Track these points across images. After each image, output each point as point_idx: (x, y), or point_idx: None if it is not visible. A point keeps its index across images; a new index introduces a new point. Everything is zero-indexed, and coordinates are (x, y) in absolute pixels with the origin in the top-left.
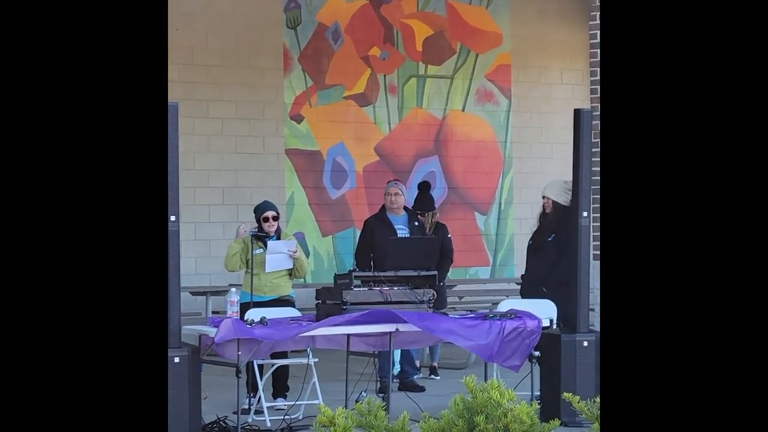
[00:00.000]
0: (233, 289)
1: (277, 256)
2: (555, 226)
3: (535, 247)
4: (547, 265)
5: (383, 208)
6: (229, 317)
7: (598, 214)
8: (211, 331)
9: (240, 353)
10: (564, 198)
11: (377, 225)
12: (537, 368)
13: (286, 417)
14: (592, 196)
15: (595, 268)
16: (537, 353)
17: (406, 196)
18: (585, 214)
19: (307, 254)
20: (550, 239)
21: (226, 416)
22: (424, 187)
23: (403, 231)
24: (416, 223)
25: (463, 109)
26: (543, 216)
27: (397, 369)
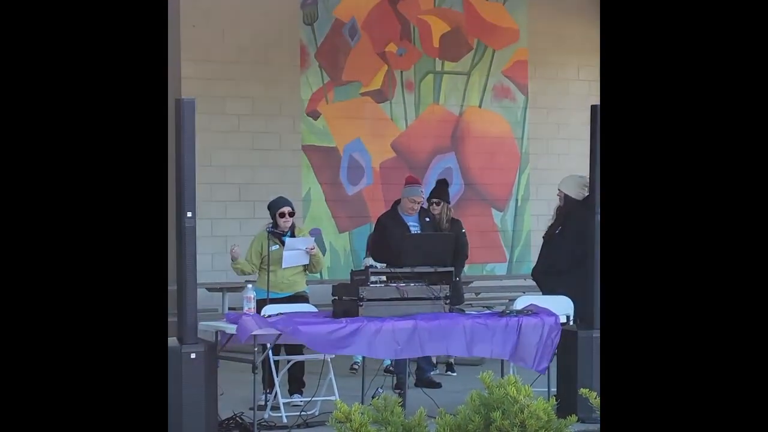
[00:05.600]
0: (249, 285)
1: (293, 252)
2: (563, 219)
3: (545, 238)
4: (544, 256)
5: (395, 205)
6: (246, 313)
7: None
8: (227, 327)
9: (256, 349)
10: (577, 192)
11: (390, 223)
12: (554, 364)
13: (302, 413)
14: None
15: None
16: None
17: None
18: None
19: (324, 251)
20: (557, 231)
21: (243, 412)
22: (443, 182)
23: (414, 228)
24: (427, 219)
25: (479, 106)
26: (558, 209)
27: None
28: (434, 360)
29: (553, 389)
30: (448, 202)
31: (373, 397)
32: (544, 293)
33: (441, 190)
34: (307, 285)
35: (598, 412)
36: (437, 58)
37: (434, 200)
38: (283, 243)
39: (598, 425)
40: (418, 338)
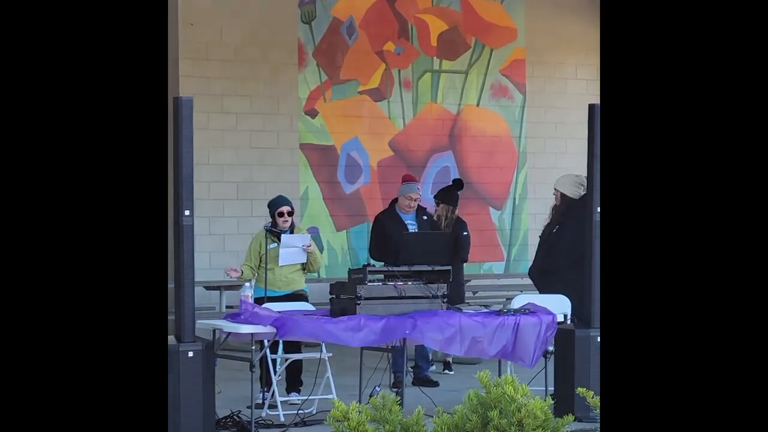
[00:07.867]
0: (247, 284)
1: (290, 250)
2: (560, 218)
3: (542, 237)
4: (542, 255)
5: (393, 203)
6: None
7: None
8: (225, 325)
9: (254, 348)
10: (574, 191)
11: (388, 221)
12: (551, 364)
13: (299, 411)
14: None
15: None
16: (551, 348)
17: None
18: (599, 210)
19: (321, 249)
20: (554, 230)
21: (240, 411)
22: (457, 183)
23: (412, 226)
24: (425, 218)
25: (477, 104)
26: (554, 208)
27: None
28: (431, 358)
29: (551, 388)
30: (452, 205)
31: (370, 396)
32: (541, 292)
33: (444, 191)
34: (306, 284)
35: (595, 411)
36: (435, 57)
37: (435, 200)
38: (281, 241)
39: (595, 424)
40: (419, 329)
